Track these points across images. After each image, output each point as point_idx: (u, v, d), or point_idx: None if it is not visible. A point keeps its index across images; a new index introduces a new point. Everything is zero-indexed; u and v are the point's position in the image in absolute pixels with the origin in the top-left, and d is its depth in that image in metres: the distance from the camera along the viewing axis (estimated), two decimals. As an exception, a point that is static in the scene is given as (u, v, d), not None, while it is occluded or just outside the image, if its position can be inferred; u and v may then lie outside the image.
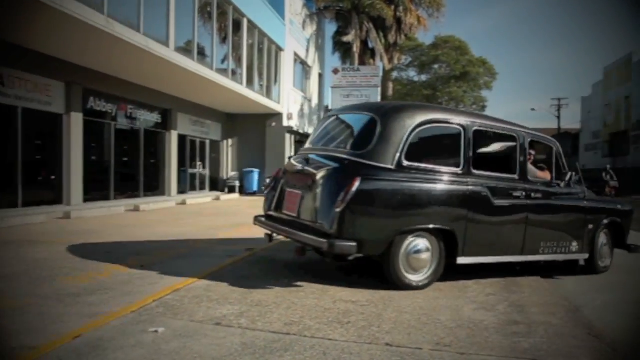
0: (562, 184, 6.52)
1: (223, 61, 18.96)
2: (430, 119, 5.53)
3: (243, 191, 23.58)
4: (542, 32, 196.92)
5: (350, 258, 5.18)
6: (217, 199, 19.78)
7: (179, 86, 17.32)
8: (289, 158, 6.46)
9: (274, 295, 5.01)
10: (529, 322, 4.44)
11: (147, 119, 17.69)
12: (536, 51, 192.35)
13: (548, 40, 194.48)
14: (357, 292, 5.21)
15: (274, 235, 6.10)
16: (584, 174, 7.06)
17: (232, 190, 23.58)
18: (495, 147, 6.42)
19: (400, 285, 5.32)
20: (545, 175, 6.58)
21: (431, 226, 5.34)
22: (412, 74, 32.14)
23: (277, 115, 24.73)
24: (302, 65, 29.54)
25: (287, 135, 25.52)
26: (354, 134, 5.81)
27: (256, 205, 17.40)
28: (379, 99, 29.76)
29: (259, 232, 9.27)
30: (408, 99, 30.40)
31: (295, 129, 26.57)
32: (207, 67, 16.40)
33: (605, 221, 6.96)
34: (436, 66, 30.36)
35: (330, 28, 36.84)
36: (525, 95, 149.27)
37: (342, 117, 6.39)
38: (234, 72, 19.45)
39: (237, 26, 19.76)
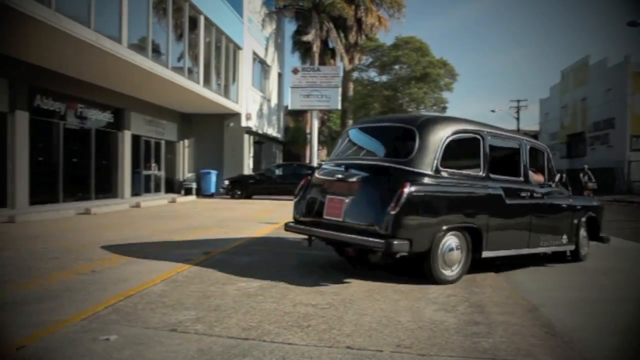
0: (553, 185, 7.49)
1: (179, 59, 18.72)
2: (457, 129, 6.24)
3: (200, 193, 23.32)
4: (501, 34, 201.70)
5: (397, 256, 5.67)
6: (173, 201, 19.50)
7: (133, 85, 17.01)
8: (317, 168, 7.04)
9: (232, 299, 4.95)
10: (489, 322, 4.52)
11: (99, 118, 17.30)
12: (496, 53, 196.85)
13: (507, 42, 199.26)
14: (318, 295, 5.20)
15: (312, 238, 6.65)
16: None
17: (188, 192, 23.29)
18: (504, 153, 7.08)
19: (438, 280, 5.83)
20: (539, 178, 7.38)
21: (464, 224, 5.99)
22: (373, 74, 32.44)
23: (236, 115, 24.57)
24: (261, 64, 29.45)
25: (246, 136, 25.38)
26: (394, 144, 6.36)
27: (215, 207, 17.32)
28: (339, 100, 29.88)
29: (217, 235, 9.19)
30: (369, 100, 30.68)
31: (254, 129, 26.45)
32: (162, 65, 16.17)
33: (585, 217, 8.05)
34: (397, 67, 30.66)
35: (290, 27, 36.93)
36: (485, 97, 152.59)
37: (372, 129, 6.95)
38: (190, 71, 19.23)
39: (194, 23, 19.55)
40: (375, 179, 5.90)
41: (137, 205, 16.61)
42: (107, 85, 16.55)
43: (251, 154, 27.09)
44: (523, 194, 6.77)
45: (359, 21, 34.28)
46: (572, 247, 7.85)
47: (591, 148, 42.70)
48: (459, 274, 6.01)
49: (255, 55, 27.63)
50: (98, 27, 12.16)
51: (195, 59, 19.91)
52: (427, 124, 6.10)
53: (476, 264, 6.35)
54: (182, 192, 23.36)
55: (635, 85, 36.07)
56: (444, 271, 5.88)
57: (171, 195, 21.32)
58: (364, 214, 5.80)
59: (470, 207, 6.12)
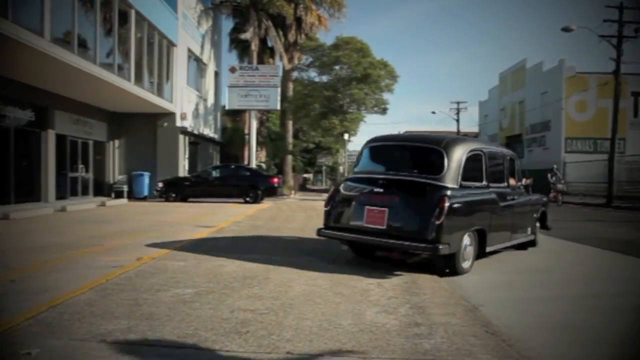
0: (522, 187, 9.16)
1: (108, 55, 18.21)
2: (470, 149, 7.51)
3: (132, 196, 22.73)
4: (441, 37, 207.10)
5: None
6: (103, 204, 18.91)
7: (57, 81, 16.38)
8: (346, 180, 8.29)
9: (166, 307, 4.85)
10: (430, 323, 4.62)
11: (18, 116, 16.55)
12: (436, 55, 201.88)
13: (447, 45, 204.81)
14: (257, 301, 5.17)
15: None
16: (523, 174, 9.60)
17: (119, 195, 22.65)
18: (494, 164, 8.24)
19: (460, 272, 7.06)
20: (513, 182, 8.81)
21: (476, 226, 7.30)
22: (313, 74, 32.53)
23: (170, 115, 24.11)
24: (197, 62, 29.03)
25: (181, 136, 24.96)
26: (424, 162, 7.46)
27: (148, 210, 16.91)
28: (278, 99, 29.87)
29: (150, 240, 8.97)
30: (309, 100, 30.77)
31: (189, 129, 26.03)
32: (89, 61, 15.66)
33: (540, 211, 9.93)
34: (337, 67, 30.86)
35: (227, 24, 36.59)
36: (426, 98, 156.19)
37: (400, 147, 8.17)
38: (120, 68, 18.73)
39: (124, 18, 19.05)
40: (416, 193, 7.02)
41: (63, 210, 16.00)
42: (28, 81, 15.85)
43: (186, 155, 26.65)
44: (508, 197, 8.27)
45: (298, 20, 34.35)
46: (533, 237, 9.52)
47: (528, 150, 44.43)
48: (470, 266, 7.30)
49: (191, 53, 27.21)
50: (17, 20, 11.65)
51: (126, 55, 19.39)
52: (451, 146, 7.32)
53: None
54: (113, 195, 22.70)
55: (570, 89, 37.80)
56: (462, 265, 7.13)
57: (100, 199, 20.66)
58: (409, 222, 6.92)
59: (481, 212, 7.56)
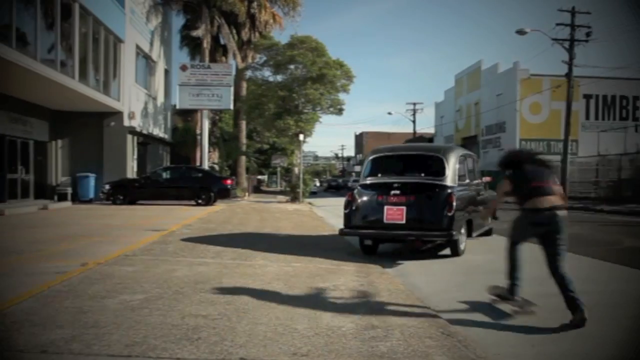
0: (482, 183, 11.16)
1: (50, 51, 17.71)
2: (460, 154, 9.69)
3: (77, 199, 22.15)
4: (398, 37, 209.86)
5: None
6: (45, 207, 18.35)
7: (-6, 77, 15.83)
8: (359, 186, 9.46)
9: (113, 314, 4.74)
10: (387, 325, 4.65)
11: (-49, 114, 15.93)
12: (392, 56, 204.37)
13: (404, 46, 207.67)
14: (209, 306, 5.10)
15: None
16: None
17: (63, 197, 22.04)
18: (472, 165, 10.45)
19: (459, 254, 9.01)
20: (479, 179, 11.00)
21: (468, 217, 9.22)
22: (267, 73, 32.33)
23: (117, 114, 23.63)
24: (146, 59, 28.55)
25: (129, 136, 24.49)
26: (432, 168, 9.18)
27: (94, 214, 16.52)
28: (231, 99, 29.64)
29: (96, 244, 8.76)
30: (263, 100, 30.63)
31: (138, 129, 25.56)
32: (29, 57, 15.19)
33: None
34: (292, 67, 30.77)
35: (178, 21, 36.17)
36: (383, 99, 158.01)
37: (405, 157, 10.21)
38: (63, 64, 18.25)
39: (67, 11, 18.56)
40: (428, 192, 8.78)
41: (1, 213, 15.46)
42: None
43: (135, 156, 26.15)
44: (481, 193, 10.59)
45: (252, 18, 34.17)
46: (492, 226, 11.26)
47: (484, 151, 45.43)
48: (464, 248, 9.23)
49: (139, 50, 26.73)
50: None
51: (69, 51, 18.89)
52: (448, 152, 9.38)
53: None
54: (56, 198, 22.05)
55: (524, 91, 38.90)
56: (461, 247, 9.06)
57: (42, 202, 20.05)
58: (426, 216, 8.63)
59: (470, 205, 9.47)
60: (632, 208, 21.57)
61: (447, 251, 9.21)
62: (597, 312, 5.52)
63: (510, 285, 5.58)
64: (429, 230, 8.58)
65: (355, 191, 9.35)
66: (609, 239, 12.37)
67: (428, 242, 9.52)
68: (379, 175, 9.48)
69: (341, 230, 9.30)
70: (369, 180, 9.41)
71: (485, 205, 9.92)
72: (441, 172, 8.97)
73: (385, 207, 8.71)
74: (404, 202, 8.64)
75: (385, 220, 8.66)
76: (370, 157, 9.94)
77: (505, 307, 5.57)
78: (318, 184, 75.58)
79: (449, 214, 8.41)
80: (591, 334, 4.80)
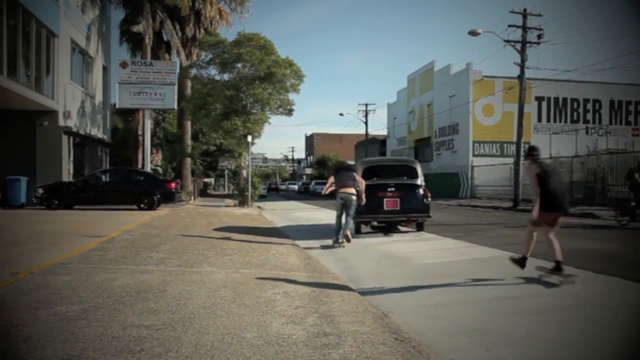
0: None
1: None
2: (419, 163, 14.83)
3: (7, 204, 21.38)
4: (349, 36, 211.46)
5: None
6: (-29, 215, 17.69)
7: None
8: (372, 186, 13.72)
9: (47, 326, 4.61)
10: (339, 332, 4.69)
11: None
12: (344, 56, 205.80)
13: (356, 45, 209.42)
14: (152, 315, 5.03)
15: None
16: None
17: (-10, 203, 21.26)
18: (420, 170, 14.59)
19: (423, 229, 14.66)
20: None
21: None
22: (214, 72, 31.91)
23: (51, 113, 22.98)
24: (83, 55, 27.87)
25: (65, 137, 23.85)
26: (408, 173, 14.33)
27: (26, 219, 16.03)
28: (175, 98, 29.26)
29: (28, 252, 8.51)
30: (209, 100, 30.30)
31: (74, 129, 24.92)
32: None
33: None
34: (239, 65, 30.53)
35: (118, 15, 35.39)
36: (334, 100, 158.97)
37: (389, 166, 15.51)
38: (-10, 59, 17.62)
39: (-5, 3, 17.95)
40: (412, 189, 13.87)
41: None
42: None
43: (71, 158, 25.45)
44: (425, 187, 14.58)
45: (197, 13, 33.82)
46: (431, 216, 14.42)
47: (437, 153, 46.31)
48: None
49: (75, 45, 26.07)
50: None
51: (-3, 45, 18.27)
52: (416, 163, 14.88)
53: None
54: (-19, 203, 21.27)
55: (477, 93, 39.84)
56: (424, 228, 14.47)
57: (-32, 208, 19.30)
58: (413, 205, 13.75)
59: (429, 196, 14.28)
60: (583, 210, 22.29)
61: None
62: (551, 315, 5.72)
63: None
64: (415, 213, 13.88)
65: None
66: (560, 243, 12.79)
67: (414, 221, 14.38)
68: (375, 178, 13.91)
69: (358, 222, 13.98)
70: (368, 182, 13.05)
71: None
72: (415, 175, 14.24)
73: (385, 200, 13.58)
74: (397, 196, 13.66)
75: (385, 208, 13.62)
76: (364, 167, 14.41)
77: (453, 311, 5.69)
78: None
79: (427, 202, 14.00)
80: (546, 337, 4.96)
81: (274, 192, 71.31)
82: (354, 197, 11.77)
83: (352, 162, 23.73)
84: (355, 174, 12.37)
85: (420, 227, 14.73)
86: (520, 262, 7.94)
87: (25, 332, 4.42)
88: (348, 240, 11.59)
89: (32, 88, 20.94)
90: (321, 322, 5.02)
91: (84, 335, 4.38)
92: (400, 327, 5.05)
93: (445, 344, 4.76)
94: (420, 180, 14.01)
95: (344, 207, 11.69)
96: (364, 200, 12.34)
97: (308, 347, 4.24)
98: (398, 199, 13.56)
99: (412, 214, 13.79)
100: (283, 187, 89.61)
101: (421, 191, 13.86)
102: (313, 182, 62.18)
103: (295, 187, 75.94)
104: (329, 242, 11.99)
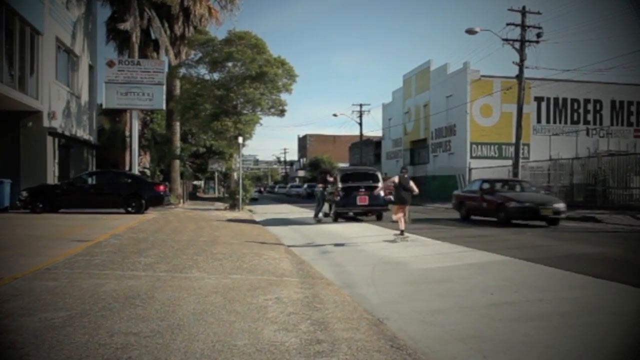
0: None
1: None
2: (378, 171, 23.43)
3: (-11, 208, 21.30)
4: (343, 35, 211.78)
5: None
6: (-49, 219, 17.60)
7: None
8: (339, 189, 20.58)
9: (32, 334, 4.62)
10: (333, 339, 4.71)
11: None
12: (338, 55, 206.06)
13: (350, 44, 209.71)
14: (140, 322, 5.04)
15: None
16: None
17: (-29, 207, 21.15)
18: (380, 176, 21.78)
19: (382, 218, 21.12)
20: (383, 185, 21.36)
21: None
22: (203, 71, 31.87)
23: (36, 114, 22.92)
24: (68, 54, 27.81)
25: (50, 138, 23.79)
26: (373, 178, 21.36)
27: (10, 224, 16.00)
28: (163, 98, 29.24)
29: (13, 257, 8.49)
30: (198, 100, 30.29)
31: (59, 130, 24.86)
32: None
33: None
34: (230, 64, 30.51)
35: (104, 12, 35.35)
36: (327, 100, 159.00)
37: (358, 173, 22.74)
38: (-27, 58, 17.56)
39: (-23, -1, 17.89)
40: (375, 190, 19.25)
41: None
42: None
43: (56, 160, 25.37)
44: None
45: (186, 11, 33.81)
46: (388, 209, 18.42)
47: (434, 155, 46.40)
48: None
49: (60, 43, 26.01)
50: None
51: (-20, 43, 18.22)
52: (377, 171, 22.70)
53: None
54: (-37, 207, 21.17)
55: (474, 93, 39.94)
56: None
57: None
58: (377, 201, 20.02)
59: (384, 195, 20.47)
60: (584, 213, 22.38)
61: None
62: (549, 321, 5.76)
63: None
64: (377, 206, 20.45)
65: (339, 190, 20.52)
66: (561, 247, 12.87)
67: (377, 212, 20.99)
68: (349, 182, 20.83)
69: (335, 212, 21.00)
70: (345, 185, 20.67)
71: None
72: (377, 180, 21.01)
73: (358, 197, 20.16)
74: (366, 194, 19.98)
75: (358, 203, 20.28)
76: (342, 174, 21.91)
77: (451, 318, 5.71)
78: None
79: (386, 198, 19.44)
80: (545, 344, 5.00)
81: (265, 195, 69.35)
82: (319, 190, 22.25)
83: (347, 164, 49.87)
84: (327, 176, 22.37)
85: (379, 217, 21.19)
86: (401, 234, 13.80)
87: (9, 340, 4.42)
88: (316, 217, 21.25)
89: (16, 88, 20.88)
90: (314, 329, 5.04)
91: (70, 343, 4.39)
92: (396, 334, 5.08)
93: (442, 351, 4.79)
94: (380, 184, 20.21)
95: (316, 197, 22.83)
96: (337, 195, 20.60)
97: (301, 354, 4.26)
98: (367, 197, 20.03)
99: (375, 207, 20.57)
100: (283, 190, 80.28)
101: (381, 192, 19.77)
102: (319, 185, 60.39)
103: (300, 190, 65.68)
104: (324, 247, 12.06)
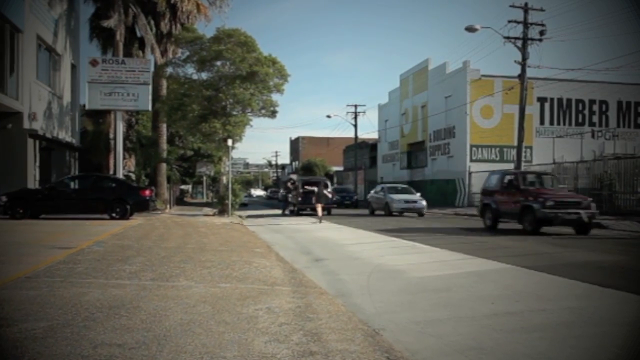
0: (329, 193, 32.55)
1: None
2: (328, 180, 38.93)
3: (-33, 213, 21.25)
4: (337, 32, 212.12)
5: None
6: None
7: None
8: (301, 193, 32.38)
9: (12, 345, 4.60)
10: (326, 351, 4.71)
11: None
12: (331, 53, 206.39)
13: (344, 41, 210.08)
14: (125, 333, 5.03)
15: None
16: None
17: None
18: (329, 183, 34.94)
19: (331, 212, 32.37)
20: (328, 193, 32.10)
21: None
22: (191, 70, 31.79)
23: (15, 115, 22.92)
24: (49, 52, 27.80)
25: (30, 141, 23.78)
26: (325, 184, 30.45)
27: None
28: (149, 99, 29.25)
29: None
30: (186, 100, 30.26)
31: (40, 132, 24.84)
32: None
33: None
34: (219, 63, 30.48)
35: (87, 9, 35.31)
36: (321, 101, 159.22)
37: (312, 181, 33.96)
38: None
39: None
40: (327, 192, 28.45)
41: None
42: None
43: (37, 163, 25.36)
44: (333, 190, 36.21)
45: (173, 7, 33.82)
46: (335, 206, 35.35)
47: (432, 158, 46.46)
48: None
49: (41, 41, 26.00)
50: None
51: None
52: (327, 180, 37.49)
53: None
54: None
55: (474, 93, 39.98)
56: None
57: None
58: (326, 200, 27.99)
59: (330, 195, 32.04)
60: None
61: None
62: (554, 332, 5.78)
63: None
64: (327, 204, 28.65)
65: (300, 193, 32.03)
66: (564, 254, 12.93)
67: (327, 208, 28.97)
68: (306, 187, 31.76)
69: (297, 210, 32.86)
70: (304, 189, 31.88)
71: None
72: (327, 186, 29.95)
73: (313, 197, 27.50)
74: (314, 193, 27.20)
75: (313, 202, 26.85)
76: (302, 181, 34.28)
77: (450, 329, 5.72)
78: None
79: (333, 199, 33.08)
80: (548, 356, 5.02)
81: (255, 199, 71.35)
82: (283, 194, 37.44)
83: (342, 167, 72.21)
84: (289, 184, 35.03)
85: (329, 212, 30.65)
86: (320, 220, 23.84)
87: (-14, 352, 4.43)
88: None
89: (-5, 87, 20.86)
90: (307, 340, 5.04)
91: (52, 355, 4.38)
92: (392, 345, 5.08)
93: (440, 362, 4.80)
94: (330, 189, 31.16)
95: (281, 199, 42.13)
96: (299, 197, 32.00)
97: (293, 366, 4.27)
98: (315, 196, 26.75)
99: (326, 204, 28.18)
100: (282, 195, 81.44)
101: (329, 194, 29.77)
102: (282, 191, 60.87)
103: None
104: (316, 253, 12.08)
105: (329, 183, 32.56)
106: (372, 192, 36.20)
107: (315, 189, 27.44)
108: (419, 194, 32.79)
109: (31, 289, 7.02)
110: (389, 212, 31.03)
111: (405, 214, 31.21)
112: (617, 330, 5.96)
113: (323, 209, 26.59)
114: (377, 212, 33.20)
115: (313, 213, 28.83)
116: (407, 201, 30.85)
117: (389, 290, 8.18)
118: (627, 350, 5.33)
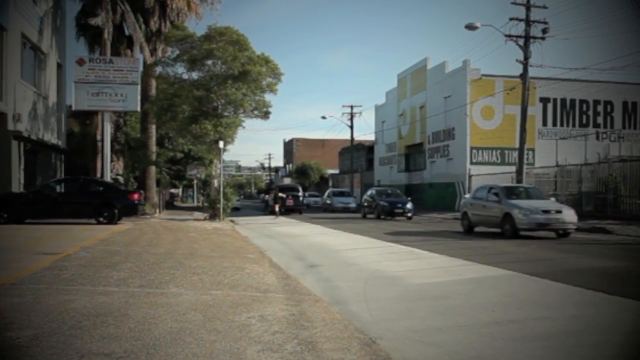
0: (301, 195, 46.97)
1: None
2: (299, 186, 50.72)
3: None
4: (332, 31, 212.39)
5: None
6: None
7: None
8: (280, 199, 39.99)
9: (-5, 354, 4.61)
10: (321, 360, 4.73)
11: None
12: (326, 52, 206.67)
13: (340, 40, 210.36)
14: (113, 342, 5.04)
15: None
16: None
17: None
18: (301, 189, 48.02)
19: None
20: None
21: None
22: (181, 70, 31.74)
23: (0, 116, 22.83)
24: (34, 51, 27.76)
25: (14, 143, 23.73)
26: (297, 190, 45.60)
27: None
28: (138, 99, 29.23)
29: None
30: (176, 101, 30.25)
31: (25, 134, 24.79)
32: None
33: None
34: (210, 62, 30.44)
35: (74, 6, 35.25)
36: (316, 101, 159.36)
37: (288, 187, 47.19)
38: None
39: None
40: (298, 197, 43.89)
41: None
42: None
43: (22, 166, 25.30)
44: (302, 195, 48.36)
45: (162, 4, 33.80)
46: (305, 209, 48.79)
47: (431, 161, 46.44)
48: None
49: (26, 40, 25.96)
50: None
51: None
52: (299, 186, 50.30)
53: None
54: None
55: (474, 93, 39.94)
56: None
57: None
58: (300, 203, 44.10)
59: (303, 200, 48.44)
60: (593, 224, 22.42)
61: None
62: (557, 340, 5.80)
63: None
64: (299, 206, 43.05)
65: (279, 198, 39.67)
66: (568, 260, 12.96)
67: (299, 210, 42.28)
68: (281, 193, 41.08)
69: (279, 212, 37.53)
70: (282, 194, 40.70)
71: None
72: (299, 191, 44.93)
73: (287, 201, 41.15)
74: (292, 199, 42.01)
75: (287, 205, 40.80)
76: (279, 188, 44.85)
77: (449, 337, 5.73)
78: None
79: (304, 202, 49.02)
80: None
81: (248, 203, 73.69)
82: (266, 197, 50.71)
83: (337, 170, 79.96)
84: (270, 190, 51.06)
85: (300, 212, 41.03)
86: (276, 214, 36.34)
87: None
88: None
89: (-23, 87, 20.82)
90: (302, 349, 5.05)
91: (37, 365, 4.38)
92: (389, 354, 5.09)
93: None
94: (301, 194, 45.06)
95: (265, 202, 52.76)
96: (277, 201, 38.29)
97: (287, 376, 4.27)
98: (292, 200, 40.85)
99: (297, 207, 41.56)
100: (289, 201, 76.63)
101: (301, 198, 43.80)
102: (265, 195, 59.36)
103: (318, 200, 60.99)
104: (310, 259, 12.13)
105: (300, 188, 46.93)
106: (365, 195, 39.30)
107: (284, 195, 40.75)
108: (409, 198, 36.66)
109: (15, 296, 7.02)
110: (377, 215, 34.12)
111: (397, 218, 33.38)
112: (623, 340, 5.97)
113: (281, 209, 38.52)
114: (368, 216, 35.87)
115: (288, 213, 40.58)
116: (395, 204, 34.01)
117: (386, 298, 8.20)
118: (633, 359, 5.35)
